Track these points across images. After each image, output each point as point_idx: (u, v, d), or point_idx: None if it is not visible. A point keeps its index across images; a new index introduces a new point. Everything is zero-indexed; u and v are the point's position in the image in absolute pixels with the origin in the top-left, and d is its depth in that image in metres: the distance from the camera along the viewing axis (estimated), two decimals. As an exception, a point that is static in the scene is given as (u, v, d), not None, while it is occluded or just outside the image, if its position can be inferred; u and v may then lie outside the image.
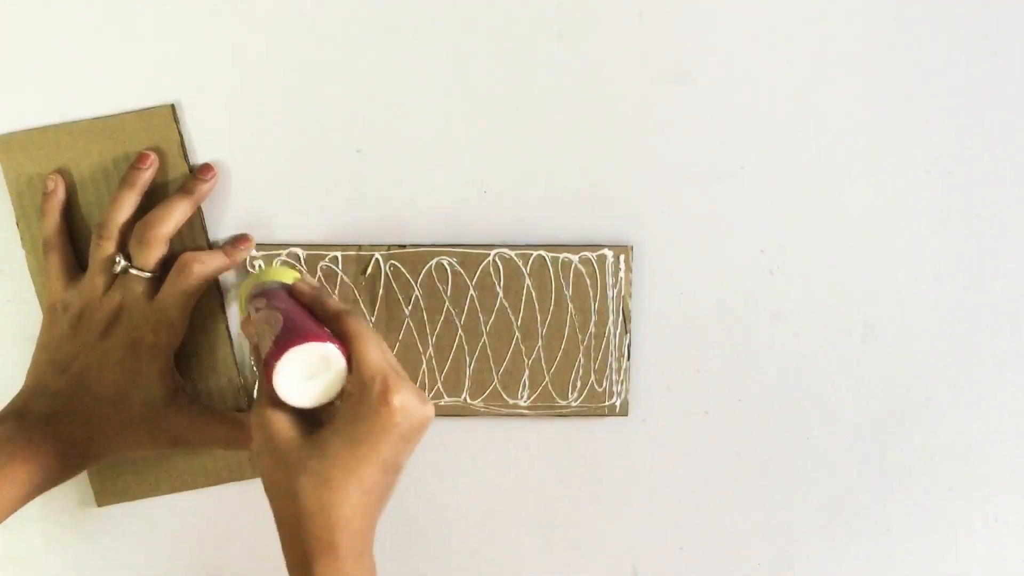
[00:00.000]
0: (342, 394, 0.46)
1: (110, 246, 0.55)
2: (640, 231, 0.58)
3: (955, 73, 0.56)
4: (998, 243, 0.58)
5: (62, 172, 0.57)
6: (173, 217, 0.55)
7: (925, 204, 0.58)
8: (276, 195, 0.58)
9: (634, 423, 0.60)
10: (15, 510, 0.51)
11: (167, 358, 0.55)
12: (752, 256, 0.59)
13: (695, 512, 0.62)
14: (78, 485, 0.63)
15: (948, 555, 0.62)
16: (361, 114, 0.57)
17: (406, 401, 0.45)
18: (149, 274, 0.55)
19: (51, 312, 0.56)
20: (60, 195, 0.56)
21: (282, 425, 0.46)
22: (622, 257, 0.58)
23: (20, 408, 0.54)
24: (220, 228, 0.59)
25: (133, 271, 0.55)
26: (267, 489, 0.47)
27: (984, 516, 0.62)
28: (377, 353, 0.46)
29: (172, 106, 0.56)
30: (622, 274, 0.58)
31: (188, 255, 0.55)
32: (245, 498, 0.60)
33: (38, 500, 0.64)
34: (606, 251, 0.57)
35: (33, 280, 0.59)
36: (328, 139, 0.58)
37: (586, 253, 0.57)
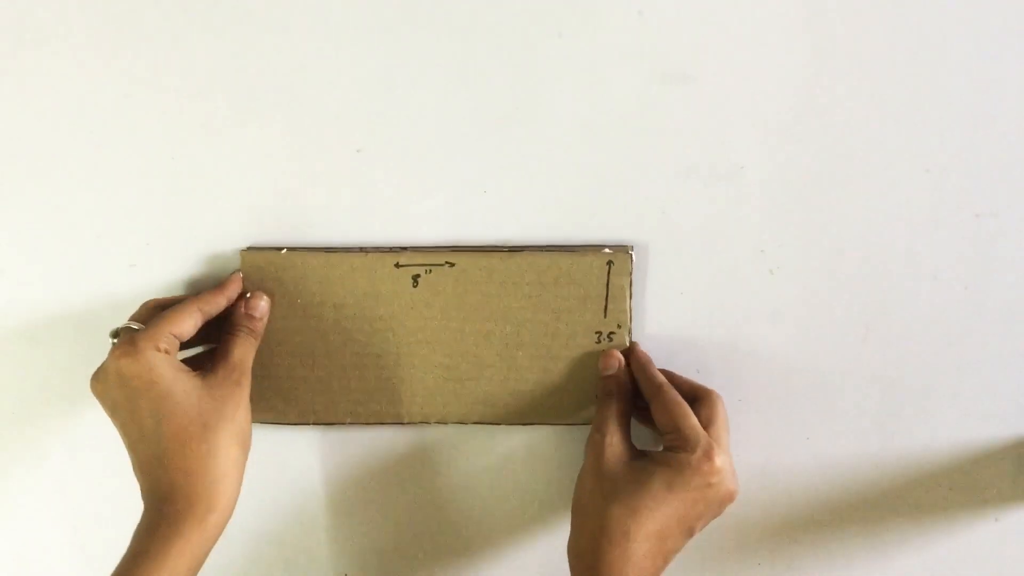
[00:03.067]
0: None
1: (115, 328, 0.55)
2: (640, 231, 0.58)
3: (955, 73, 0.56)
4: (998, 243, 0.58)
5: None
6: (251, 353, 0.56)
7: (925, 204, 0.58)
8: (276, 195, 0.58)
9: (634, 423, 0.60)
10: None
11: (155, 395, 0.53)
12: (752, 256, 0.59)
13: (695, 512, 0.62)
14: (72, 488, 0.63)
15: (948, 555, 0.62)
16: (361, 114, 0.57)
17: (724, 464, 0.52)
18: (136, 327, 0.54)
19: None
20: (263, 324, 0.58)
21: (615, 453, 0.54)
22: (622, 258, 0.57)
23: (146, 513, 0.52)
24: (222, 227, 0.59)
25: (125, 326, 0.54)
26: (577, 503, 0.54)
27: (984, 516, 0.62)
28: (698, 421, 0.54)
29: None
30: (622, 274, 0.58)
31: (235, 354, 0.55)
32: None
33: (34, 501, 0.64)
34: (606, 251, 0.57)
35: None
36: (328, 139, 0.58)
37: (588, 257, 0.57)
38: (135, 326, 0.53)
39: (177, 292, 0.60)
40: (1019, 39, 0.56)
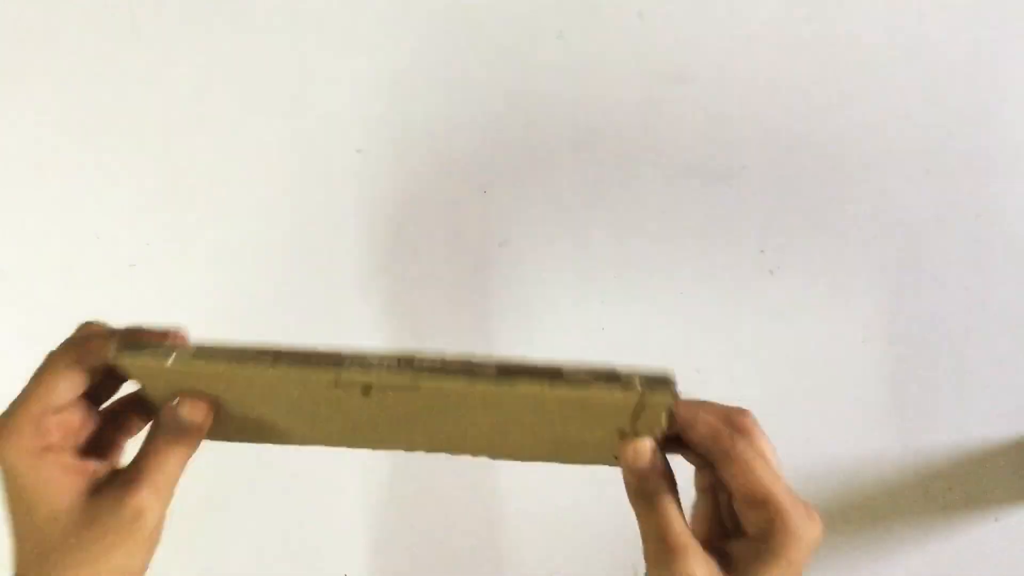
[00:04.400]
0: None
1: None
2: (640, 231, 0.58)
3: (955, 73, 0.56)
4: (998, 243, 0.58)
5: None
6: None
7: (925, 204, 0.58)
8: (276, 195, 0.58)
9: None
10: None
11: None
12: (752, 256, 0.59)
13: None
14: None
15: (948, 555, 0.62)
16: (361, 114, 0.57)
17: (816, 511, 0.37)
18: None
19: None
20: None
21: (704, 569, 0.37)
22: (658, 402, 0.38)
23: None
24: (225, 226, 0.59)
25: None
26: None
27: (984, 516, 0.62)
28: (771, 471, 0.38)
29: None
30: (656, 417, 0.39)
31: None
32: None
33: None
34: (637, 388, 0.37)
35: None
36: (328, 139, 0.58)
37: (614, 395, 0.37)
38: None
39: (176, 292, 0.60)
40: (1019, 39, 0.56)
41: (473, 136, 0.58)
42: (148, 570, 0.38)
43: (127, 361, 0.38)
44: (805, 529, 0.37)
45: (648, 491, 0.40)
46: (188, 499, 0.63)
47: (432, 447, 0.43)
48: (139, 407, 0.40)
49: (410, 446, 0.43)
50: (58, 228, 0.60)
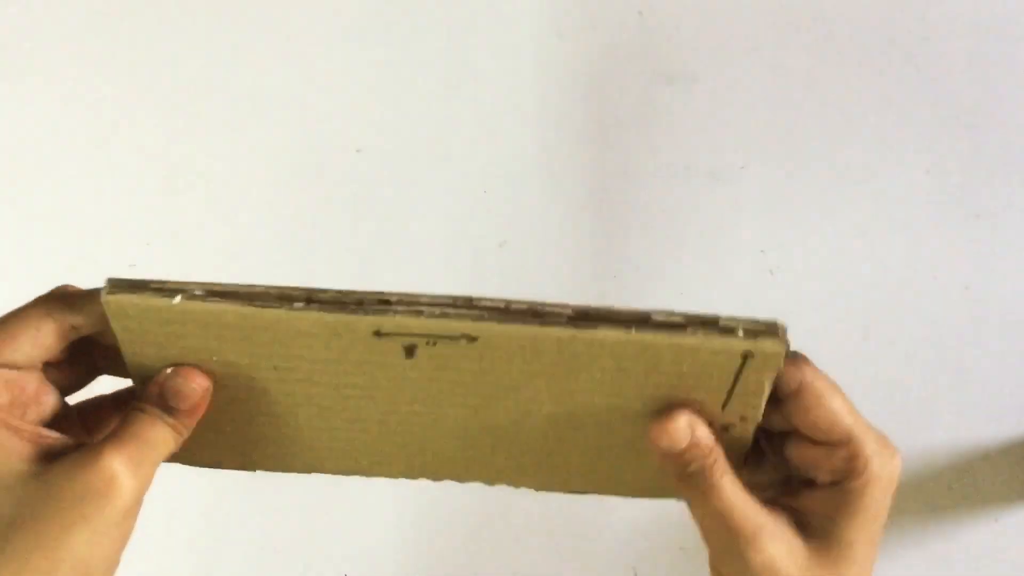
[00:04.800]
0: None
1: None
2: (640, 231, 0.58)
3: (955, 73, 0.56)
4: (998, 243, 0.58)
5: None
6: None
7: (925, 204, 0.58)
8: (276, 195, 0.58)
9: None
10: None
11: None
12: (752, 256, 0.59)
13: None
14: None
15: (948, 555, 0.62)
16: (361, 114, 0.57)
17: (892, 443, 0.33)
18: None
19: None
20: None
21: (784, 547, 0.32)
22: (769, 349, 0.31)
23: None
24: (225, 226, 0.59)
25: None
26: None
27: (984, 516, 0.62)
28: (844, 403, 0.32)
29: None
30: (764, 370, 0.35)
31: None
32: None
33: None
34: (740, 337, 0.31)
35: None
36: (328, 139, 0.58)
37: (713, 343, 0.31)
38: None
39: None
40: (1019, 39, 0.56)
41: (473, 136, 0.58)
42: (119, 566, 0.31)
43: (122, 299, 0.30)
44: (887, 466, 0.32)
45: (695, 473, 0.33)
46: (188, 499, 0.63)
47: (482, 447, 0.36)
48: (114, 408, 0.33)
49: (455, 452, 0.36)
50: (58, 228, 0.60)
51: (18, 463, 0.29)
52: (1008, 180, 0.58)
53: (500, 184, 0.58)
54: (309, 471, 0.36)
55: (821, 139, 0.57)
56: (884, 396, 0.61)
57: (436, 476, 0.36)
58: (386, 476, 0.36)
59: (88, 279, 0.61)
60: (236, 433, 0.36)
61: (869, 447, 0.31)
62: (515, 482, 0.36)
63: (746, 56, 0.56)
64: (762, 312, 0.60)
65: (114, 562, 0.30)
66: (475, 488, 0.64)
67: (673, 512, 0.62)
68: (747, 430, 0.34)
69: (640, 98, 0.57)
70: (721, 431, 0.33)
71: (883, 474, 0.32)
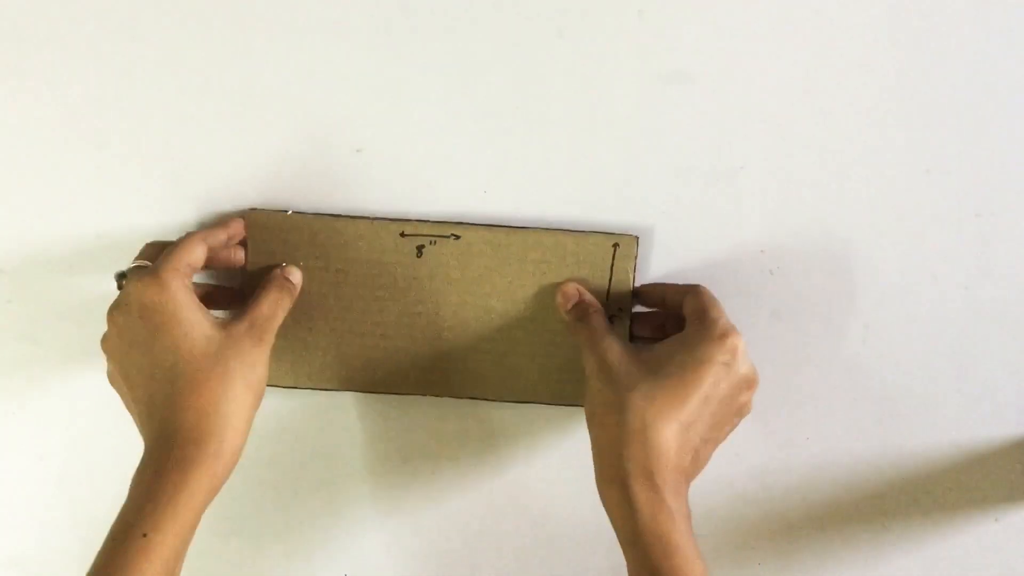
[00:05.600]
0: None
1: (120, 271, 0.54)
2: (639, 231, 0.58)
3: (956, 73, 0.56)
4: (998, 243, 0.58)
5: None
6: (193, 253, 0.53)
7: (925, 204, 0.58)
8: (275, 194, 0.58)
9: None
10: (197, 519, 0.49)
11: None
12: (752, 256, 0.59)
13: (695, 512, 0.62)
14: (72, 487, 0.63)
15: (948, 555, 0.62)
16: (361, 114, 0.57)
17: (740, 346, 0.51)
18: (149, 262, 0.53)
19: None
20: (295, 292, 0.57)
21: (617, 352, 0.52)
22: (628, 242, 0.57)
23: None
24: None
25: (134, 265, 0.54)
26: (592, 413, 0.51)
27: (984, 516, 0.62)
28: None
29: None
30: (627, 259, 0.57)
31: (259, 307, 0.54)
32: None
33: (40, 499, 0.64)
34: (612, 235, 0.57)
35: None
36: (328, 139, 0.58)
37: (594, 238, 0.57)
38: (144, 264, 0.52)
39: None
40: (1019, 39, 0.56)
41: (473, 136, 0.58)
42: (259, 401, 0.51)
43: (258, 214, 0.57)
44: (719, 337, 0.50)
45: (576, 316, 0.55)
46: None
47: (464, 316, 0.58)
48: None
49: (437, 363, 0.59)
50: (58, 228, 0.60)
51: (212, 327, 0.50)
52: (1008, 180, 0.58)
53: (500, 184, 0.58)
54: (343, 387, 0.59)
55: (821, 139, 0.57)
56: (884, 396, 0.61)
57: (419, 392, 0.59)
58: (392, 390, 0.59)
59: (88, 279, 0.62)
60: (291, 348, 0.59)
61: (712, 322, 0.51)
62: (480, 393, 0.59)
63: (746, 56, 0.56)
64: (762, 312, 0.60)
65: (264, 381, 0.51)
66: (475, 487, 0.65)
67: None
68: (624, 321, 0.58)
69: (640, 98, 0.57)
70: (609, 321, 0.56)
71: (712, 336, 0.50)
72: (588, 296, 0.56)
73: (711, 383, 0.49)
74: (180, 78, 0.57)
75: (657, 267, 0.59)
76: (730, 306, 0.59)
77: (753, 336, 0.60)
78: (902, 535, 0.62)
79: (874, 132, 0.57)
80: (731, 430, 0.52)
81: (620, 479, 0.48)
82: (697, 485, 0.61)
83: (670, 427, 0.48)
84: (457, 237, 0.57)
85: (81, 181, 0.59)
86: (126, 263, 0.61)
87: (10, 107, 0.58)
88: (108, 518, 0.64)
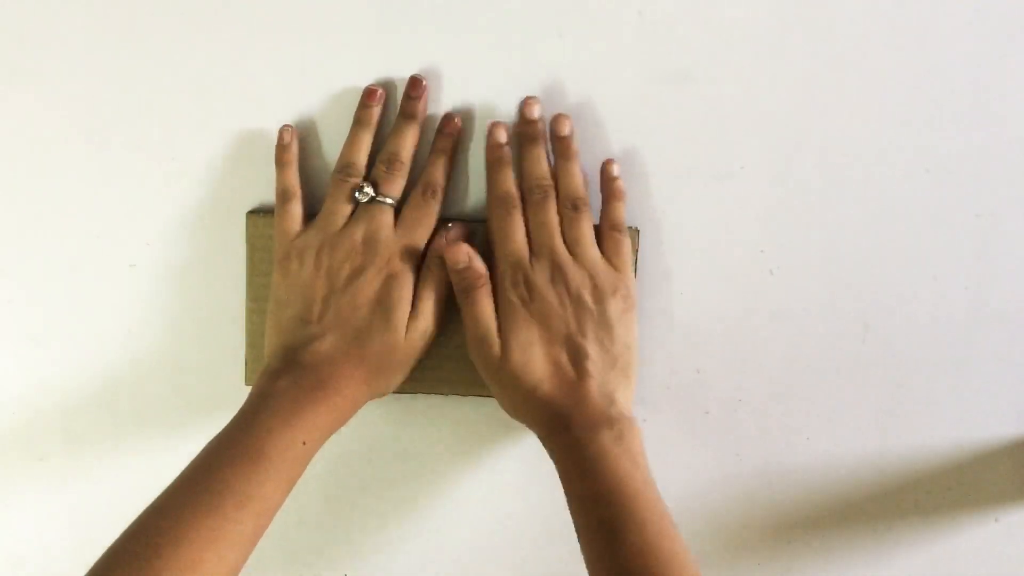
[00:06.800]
0: None
1: (356, 181, 0.55)
2: (639, 231, 0.58)
3: (955, 73, 0.56)
4: (998, 243, 0.58)
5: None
6: (409, 140, 0.55)
7: (925, 204, 0.58)
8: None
9: (634, 423, 0.60)
10: (312, 457, 0.52)
11: (412, 284, 0.55)
12: (752, 256, 0.59)
13: (695, 512, 0.62)
14: (72, 487, 0.63)
15: (948, 555, 0.62)
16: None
17: (524, 265, 0.56)
18: (393, 201, 0.55)
19: (285, 263, 0.55)
20: (295, 146, 0.56)
21: (484, 323, 0.55)
22: (629, 234, 0.57)
23: (284, 365, 0.53)
24: (223, 226, 0.59)
25: (379, 199, 0.55)
26: (486, 374, 0.57)
27: (984, 516, 0.62)
28: None
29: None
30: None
31: (430, 172, 0.56)
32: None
33: (40, 499, 0.64)
34: None
35: (248, 322, 0.59)
36: (329, 139, 0.58)
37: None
38: (390, 201, 0.55)
39: (177, 292, 0.60)
40: (1019, 39, 0.56)
41: (472, 135, 0.58)
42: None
43: (260, 216, 0.59)
44: (503, 267, 0.55)
45: (462, 286, 0.55)
46: (188, 499, 0.62)
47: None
48: None
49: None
50: (58, 228, 0.59)
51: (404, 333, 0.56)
52: (1008, 180, 0.58)
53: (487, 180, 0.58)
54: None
55: (821, 139, 0.57)
56: (884, 396, 0.61)
57: (426, 389, 0.59)
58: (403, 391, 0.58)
59: (88, 279, 0.61)
60: None
61: (498, 264, 0.55)
62: (481, 391, 0.58)
63: (746, 56, 0.56)
64: (762, 312, 0.60)
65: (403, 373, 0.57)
66: (476, 487, 0.64)
67: (673, 512, 0.62)
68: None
69: (640, 98, 0.57)
70: None
71: (504, 272, 0.55)
72: (478, 263, 0.55)
73: (524, 315, 0.54)
74: (181, 79, 0.57)
75: (656, 266, 0.59)
76: (730, 306, 0.59)
77: (753, 336, 0.60)
78: (902, 535, 0.62)
79: (874, 132, 0.57)
80: (599, 311, 0.54)
81: (545, 434, 0.53)
82: (697, 485, 0.61)
83: (531, 365, 0.53)
84: None
85: (81, 181, 0.59)
86: (126, 263, 0.61)
87: (10, 107, 0.58)
88: (108, 518, 0.64)
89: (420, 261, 0.55)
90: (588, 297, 0.54)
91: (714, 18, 0.56)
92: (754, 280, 0.59)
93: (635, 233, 0.57)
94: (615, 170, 0.56)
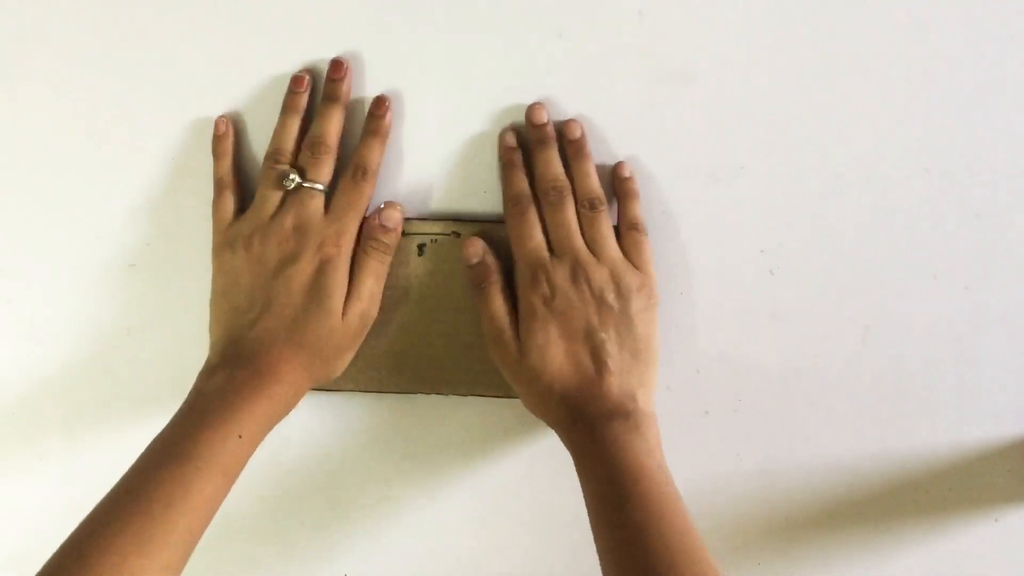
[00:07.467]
0: None
1: (283, 168, 0.55)
2: (640, 231, 0.58)
3: (955, 73, 0.56)
4: (998, 243, 0.58)
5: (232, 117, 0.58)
6: (333, 124, 0.55)
7: (925, 204, 0.58)
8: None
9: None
10: (254, 450, 0.52)
11: (347, 267, 0.55)
12: (752, 256, 0.59)
13: (695, 512, 0.62)
14: (72, 487, 0.63)
15: (948, 555, 0.62)
16: (361, 114, 0.57)
17: (547, 267, 0.56)
18: (322, 187, 0.55)
19: (219, 253, 0.56)
20: (231, 137, 0.57)
21: (501, 318, 0.56)
22: None
23: (221, 359, 0.53)
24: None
25: (307, 185, 0.55)
26: (504, 367, 0.57)
27: (984, 516, 0.62)
28: None
29: None
30: None
31: (361, 155, 0.56)
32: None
33: (34, 501, 0.64)
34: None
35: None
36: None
37: None
38: (319, 187, 0.55)
39: (176, 292, 0.60)
40: (1019, 39, 0.56)
41: (472, 136, 0.58)
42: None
43: None
44: (523, 269, 0.56)
45: (476, 282, 0.56)
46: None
47: (465, 313, 0.58)
48: None
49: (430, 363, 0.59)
50: (58, 228, 0.59)
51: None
52: (1008, 180, 0.58)
53: (500, 183, 0.58)
54: (343, 387, 0.59)
55: (821, 139, 0.57)
56: (884, 396, 0.61)
57: (423, 391, 0.59)
58: (393, 389, 0.59)
59: (88, 279, 0.61)
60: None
61: (519, 261, 0.56)
62: (481, 390, 0.59)
63: (746, 56, 0.56)
64: (762, 312, 0.60)
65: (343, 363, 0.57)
66: (476, 486, 0.64)
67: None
68: None
69: (640, 98, 0.57)
70: None
71: (525, 274, 0.55)
72: (490, 259, 0.56)
73: (544, 314, 0.54)
74: (181, 79, 0.57)
75: (656, 266, 0.59)
76: (730, 306, 0.59)
77: (753, 336, 0.60)
78: (902, 535, 0.62)
79: (874, 132, 0.57)
80: (622, 308, 0.55)
81: (564, 429, 0.54)
82: (697, 485, 0.61)
83: (550, 364, 0.54)
84: (458, 235, 0.57)
85: (81, 181, 0.59)
86: (126, 263, 0.61)
87: (10, 107, 0.58)
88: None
89: (355, 244, 0.56)
90: (611, 295, 0.54)
91: (714, 18, 0.56)
92: (754, 280, 0.59)
93: None
94: (627, 171, 0.56)
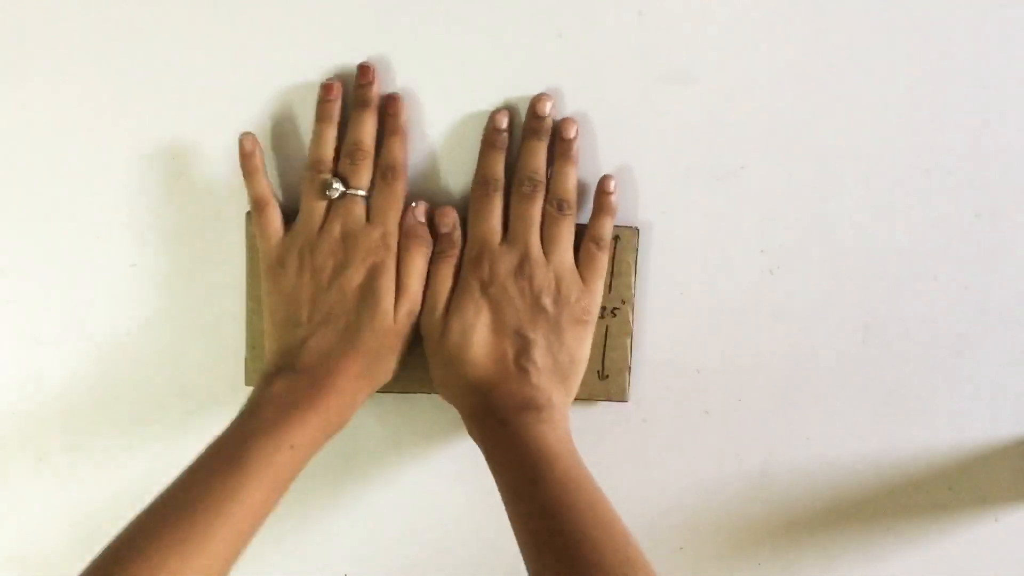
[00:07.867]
0: None
1: (325, 177, 0.55)
2: (639, 231, 0.58)
3: (955, 73, 0.56)
4: (998, 243, 0.58)
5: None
6: (368, 128, 0.55)
7: (925, 204, 0.58)
8: (275, 195, 0.58)
9: (634, 422, 0.60)
10: (307, 461, 0.52)
11: (394, 268, 0.55)
12: (752, 256, 0.59)
13: (695, 512, 0.62)
14: (72, 487, 0.64)
15: (948, 555, 0.62)
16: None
17: (487, 254, 0.56)
18: (364, 192, 0.55)
19: (272, 270, 0.56)
20: (260, 155, 0.56)
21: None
22: (628, 234, 0.57)
23: (278, 369, 0.53)
24: (222, 227, 0.59)
25: (351, 192, 0.55)
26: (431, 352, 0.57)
27: (984, 516, 0.62)
28: None
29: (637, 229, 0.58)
30: (629, 250, 0.57)
31: (385, 156, 0.56)
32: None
33: (40, 499, 0.64)
34: (613, 230, 0.57)
35: (248, 322, 0.59)
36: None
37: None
38: (361, 192, 0.55)
39: (176, 291, 0.60)
40: (1019, 39, 0.56)
41: (472, 135, 0.58)
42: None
43: None
44: (469, 253, 0.56)
45: (438, 250, 0.57)
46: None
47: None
48: None
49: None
50: (58, 228, 0.59)
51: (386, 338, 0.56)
52: (1008, 180, 0.58)
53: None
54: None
55: (821, 139, 0.57)
56: (884, 396, 0.61)
57: (427, 388, 0.58)
58: (392, 389, 0.58)
59: (88, 279, 0.61)
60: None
61: (469, 245, 0.56)
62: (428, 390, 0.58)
63: (746, 56, 0.56)
64: (762, 312, 0.60)
65: (390, 371, 0.56)
66: (475, 486, 0.64)
67: (673, 512, 0.62)
68: (627, 313, 0.58)
69: (640, 98, 0.57)
70: (609, 315, 0.57)
71: (470, 255, 0.56)
72: (457, 235, 0.57)
73: (476, 297, 0.54)
74: (181, 79, 0.57)
75: (656, 266, 0.59)
76: (730, 306, 0.59)
77: (753, 336, 0.60)
78: (902, 535, 0.62)
79: (874, 132, 0.57)
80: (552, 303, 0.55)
81: (470, 418, 0.53)
82: (697, 485, 0.61)
83: (470, 347, 0.54)
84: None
85: (81, 181, 0.59)
86: (126, 263, 0.61)
87: (10, 107, 0.58)
88: (108, 518, 0.64)
89: (398, 244, 0.56)
90: (548, 299, 0.54)
91: (714, 18, 0.56)
92: (754, 280, 0.59)
93: (635, 233, 0.57)
94: (611, 186, 0.56)
